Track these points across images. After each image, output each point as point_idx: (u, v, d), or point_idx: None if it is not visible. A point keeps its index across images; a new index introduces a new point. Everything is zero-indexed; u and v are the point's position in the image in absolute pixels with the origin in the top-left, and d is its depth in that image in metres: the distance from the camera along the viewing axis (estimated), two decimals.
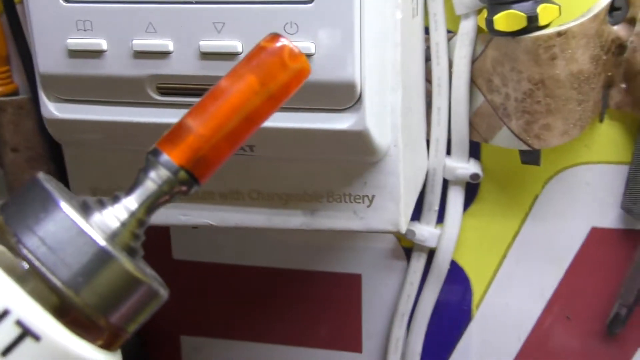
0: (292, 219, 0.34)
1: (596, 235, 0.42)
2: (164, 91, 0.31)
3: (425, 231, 0.44)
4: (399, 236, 0.46)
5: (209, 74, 0.30)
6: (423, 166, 0.41)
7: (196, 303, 0.51)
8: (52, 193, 0.20)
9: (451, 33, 0.40)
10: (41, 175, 0.21)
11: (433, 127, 0.41)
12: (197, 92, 0.31)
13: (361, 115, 0.30)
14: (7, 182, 0.44)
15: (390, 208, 0.33)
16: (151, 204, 0.21)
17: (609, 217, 0.42)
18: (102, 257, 0.20)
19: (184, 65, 0.30)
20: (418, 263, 0.45)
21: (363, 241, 0.46)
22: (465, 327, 0.46)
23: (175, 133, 0.21)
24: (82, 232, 0.20)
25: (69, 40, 0.30)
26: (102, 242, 0.20)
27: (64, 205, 0.20)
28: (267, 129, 0.31)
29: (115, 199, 0.21)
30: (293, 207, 0.34)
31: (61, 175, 0.44)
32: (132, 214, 0.21)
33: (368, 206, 0.33)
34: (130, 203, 0.21)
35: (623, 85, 0.39)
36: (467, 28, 0.39)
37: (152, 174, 0.21)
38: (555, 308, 0.44)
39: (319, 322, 0.49)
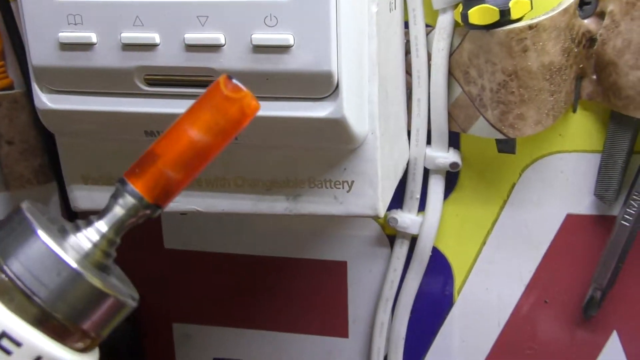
0: (276, 205, 0.36)
1: (571, 222, 0.44)
2: (151, 82, 0.33)
3: (408, 219, 0.45)
4: (382, 224, 0.47)
5: (193, 65, 0.31)
6: (404, 155, 0.42)
7: (187, 291, 0.52)
8: (31, 222, 0.24)
9: (430, 27, 0.41)
10: (25, 205, 0.25)
11: (413, 118, 0.43)
12: (183, 83, 0.33)
13: (339, 104, 0.31)
14: (2, 174, 0.45)
15: (368, 193, 0.35)
16: (119, 227, 0.25)
17: (583, 203, 0.43)
18: (73, 277, 0.24)
19: (170, 57, 0.31)
20: (401, 250, 0.47)
21: (348, 229, 0.48)
22: (448, 312, 0.48)
23: (140, 166, 0.24)
24: (56, 257, 0.24)
25: (61, 34, 0.32)
26: (74, 265, 0.24)
27: (41, 233, 0.24)
28: None
29: (89, 223, 0.25)
30: (277, 193, 0.36)
31: (54, 166, 0.46)
32: (103, 236, 0.25)
33: (348, 191, 0.35)
34: (101, 226, 0.25)
35: (594, 77, 0.40)
36: (444, 22, 0.41)
37: (120, 201, 0.24)
38: (533, 293, 0.46)
39: (306, 308, 0.51)
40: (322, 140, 0.33)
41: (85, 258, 0.24)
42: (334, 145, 0.33)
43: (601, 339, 0.46)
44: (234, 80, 0.24)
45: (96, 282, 0.24)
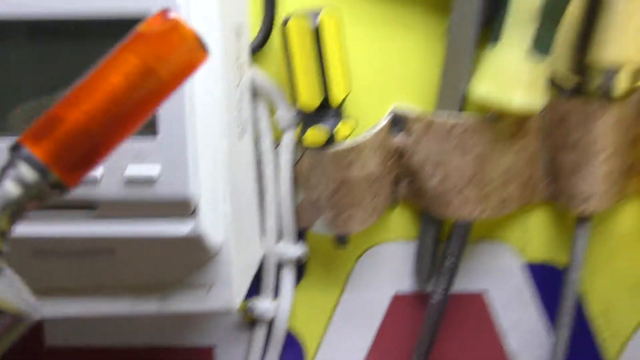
0: (149, 305, 0.42)
1: (397, 300, 0.53)
2: None
3: (264, 306, 0.52)
4: (244, 311, 0.54)
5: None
6: (257, 253, 0.50)
7: None
8: None
9: (277, 143, 0.49)
10: None
11: (267, 217, 0.50)
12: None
13: (197, 223, 0.38)
14: None
15: (225, 293, 0.41)
16: (15, 212, 0.17)
17: (406, 284, 0.52)
18: None
19: None
20: (260, 333, 0.53)
21: (215, 316, 0.54)
22: None
23: (42, 124, 0.16)
24: None
25: None
26: None
27: None
28: (115, 240, 0.38)
29: None
30: (148, 296, 0.41)
31: None
32: None
33: (208, 292, 0.41)
34: None
35: (407, 181, 0.50)
36: (287, 139, 0.49)
37: (14, 175, 0.17)
38: None
39: None
40: (184, 253, 0.39)
41: None
42: (194, 255, 0.40)
43: None
44: (171, 14, 0.17)
45: None
